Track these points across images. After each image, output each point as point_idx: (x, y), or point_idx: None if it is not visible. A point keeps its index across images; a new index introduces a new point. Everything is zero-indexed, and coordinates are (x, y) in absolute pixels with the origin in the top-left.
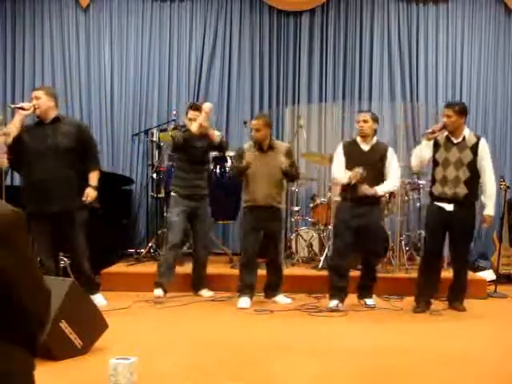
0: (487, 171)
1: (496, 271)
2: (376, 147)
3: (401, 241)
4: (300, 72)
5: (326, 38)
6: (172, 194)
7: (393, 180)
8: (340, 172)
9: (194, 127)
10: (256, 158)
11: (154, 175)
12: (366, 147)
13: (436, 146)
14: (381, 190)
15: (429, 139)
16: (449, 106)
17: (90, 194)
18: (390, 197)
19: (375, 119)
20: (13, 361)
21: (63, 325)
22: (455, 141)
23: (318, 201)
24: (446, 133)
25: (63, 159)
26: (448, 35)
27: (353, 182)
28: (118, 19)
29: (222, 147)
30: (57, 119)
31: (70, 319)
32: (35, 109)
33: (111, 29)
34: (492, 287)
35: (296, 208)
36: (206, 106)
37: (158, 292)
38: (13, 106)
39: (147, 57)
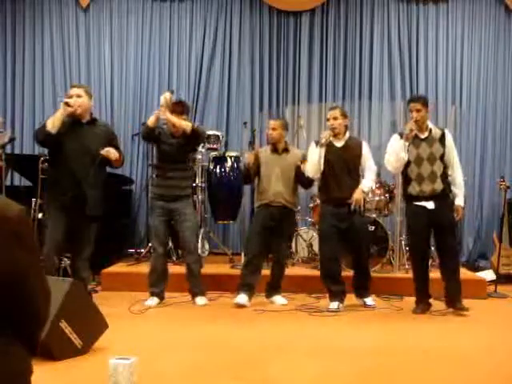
0: (455, 162)
1: (496, 271)
2: (350, 142)
3: (401, 241)
4: (300, 72)
5: (325, 38)
6: (152, 195)
7: (372, 174)
8: (312, 159)
9: (149, 120)
10: (269, 159)
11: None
12: (339, 143)
13: None
14: (365, 186)
15: (408, 140)
16: (415, 100)
17: (112, 151)
18: (389, 197)
19: (345, 115)
20: (11, 359)
21: (63, 325)
22: (422, 136)
23: (318, 201)
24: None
25: (97, 162)
26: (448, 35)
27: (323, 141)
28: (118, 19)
29: (197, 135)
30: (93, 120)
31: (70, 319)
32: (77, 107)
33: (111, 29)
34: (492, 287)
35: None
36: (163, 96)
37: (151, 302)
38: (63, 100)
39: (147, 57)
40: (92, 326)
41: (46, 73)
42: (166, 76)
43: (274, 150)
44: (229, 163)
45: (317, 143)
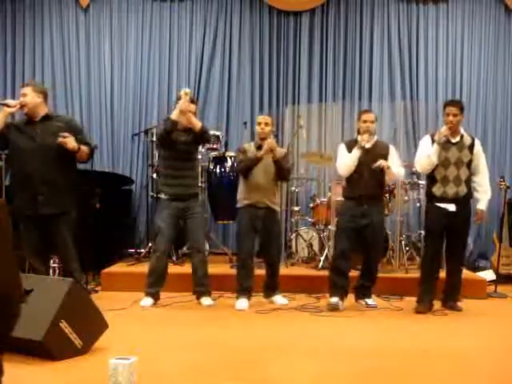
0: (484, 169)
1: (496, 271)
2: (377, 145)
3: (401, 241)
4: (300, 72)
5: (325, 38)
6: (160, 196)
7: (398, 169)
8: (345, 157)
9: (173, 114)
10: None
11: (154, 175)
12: (368, 145)
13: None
14: (393, 168)
15: (440, 144)
16: (453, 104)
17: (69, 140)
18: (389, 197)
19: (376, 118)
20: None
21: (63, 325)
22: (453, 140)
23: (318, 201)
24: None
25: (53, 159)
26: (448, 35)
27: (365, 144)
28: (118, 19)
29: (203, 134)
30: (47, 117)
31: (70, 319)
32: (22, 106)
33: (111, 29)
34: (492, 287)
35: (296, 208)
36: (183, 90)
37: (146, 302)
38: None
39: (147, 57)
40: (92, 326)
41: (46, 73)
42: (166, 76)
43: (259, 147)
44: (229, 163)
45: (348, 145)
